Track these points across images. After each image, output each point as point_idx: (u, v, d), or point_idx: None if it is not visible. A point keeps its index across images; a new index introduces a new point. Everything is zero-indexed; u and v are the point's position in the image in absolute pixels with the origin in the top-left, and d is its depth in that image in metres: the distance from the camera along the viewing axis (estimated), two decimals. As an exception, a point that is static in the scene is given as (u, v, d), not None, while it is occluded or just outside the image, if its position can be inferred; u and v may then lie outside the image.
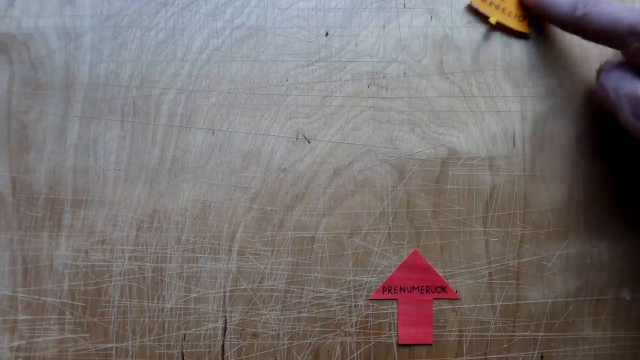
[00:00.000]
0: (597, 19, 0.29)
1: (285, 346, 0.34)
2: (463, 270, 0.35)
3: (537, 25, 0.35)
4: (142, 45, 0.35)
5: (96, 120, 0.35)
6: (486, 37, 0.35)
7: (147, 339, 0.34)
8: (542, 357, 0.34)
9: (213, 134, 0.35)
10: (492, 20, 0.35)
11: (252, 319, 0.34)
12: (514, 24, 0.35)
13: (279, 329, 0.34)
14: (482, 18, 0.35)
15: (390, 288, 0.34)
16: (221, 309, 0.34)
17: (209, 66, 0.35)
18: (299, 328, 0.34)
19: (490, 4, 0.35)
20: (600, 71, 0.32)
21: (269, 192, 0.35)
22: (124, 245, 0.35)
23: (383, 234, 0.35)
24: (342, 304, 0.35)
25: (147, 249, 0.35)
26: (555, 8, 0.32)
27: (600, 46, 0.35)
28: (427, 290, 0.35)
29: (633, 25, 0.27)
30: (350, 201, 0.35)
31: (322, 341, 0.34)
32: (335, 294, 0.35)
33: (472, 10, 0.35)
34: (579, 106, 0.35)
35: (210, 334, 0.34)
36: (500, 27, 0.35)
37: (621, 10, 0.28)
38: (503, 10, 0.35)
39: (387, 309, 0.35)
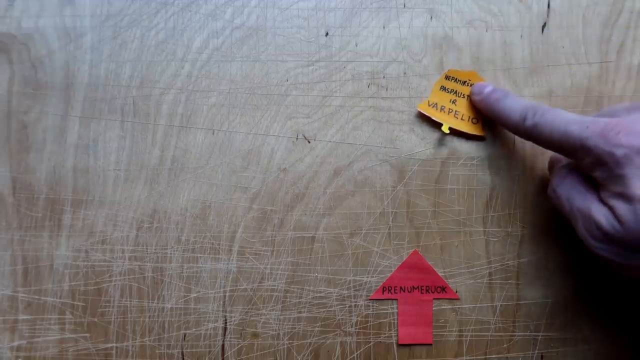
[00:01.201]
0: (547, 130, 0.28)
1: (285, 346, 0.34)
2: (463, 270, 0.35)
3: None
4: (142, 45, 0.35)
5: (96, 120, 0.35)
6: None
7: (147, 338, 0.34)
8: (542, 357, 0.34)
9: (213, 134, 0.35)
10: (445, 128, 0.34)
11: (252, 319, 0.35)
12: (468, 127, 0.35)
13: (279, 329, 0.34)
14: (436, 123, 0.35)
15: (390, 288, 0.34)
16: (221, 309, 0.35)
17: (209, 66, 0.35)
18: (299, 328, 0.34)
19: (441, 109, 0.35)
20: (552, 172, 0.31)
21: (269, 192, 0.35)
22: (124, 245, 0.35)
23: (383, 234, 0.35)
24: (342, 304, 0.35)
25: (147, 249, 0.35)
26: (506, 117, 0.31)
27: (601, 45, 0.35)
28: (427, 290, 0.35)
29: (583, 139, 0.26)
30: (350, 201, 0.35)
31: (322, 341, 0.34)
32: (335, 294, 0.35)
33: (422, 116, 0.35)
34: (579, 106, 0.35)
35: (210, 334, 0.34)
36: (454, 132, 0.35)
37: (570, 122, 0.27)
38: (455, 114, 0.35)
39: (387, 309, 0.35)
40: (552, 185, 0.30)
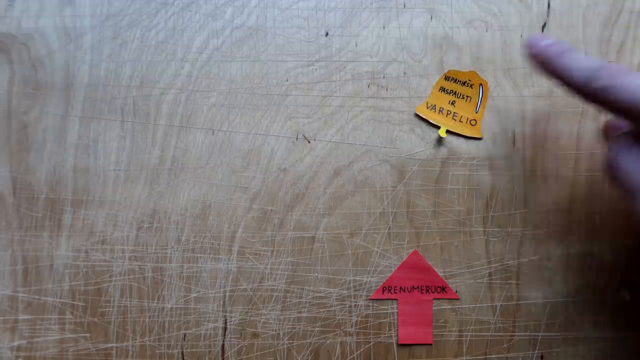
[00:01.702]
0: (616, 93, 0.25)
1: (285, 346, 0.34)
2: (463, 270, 0.35)
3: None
4: (142, 45, 0.35)
5: (96, 120, 0.35)
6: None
7: (147, 338, 0.34)
8: (542, 357, 0.34)
9: (213, 134, 0.35)
10: (442, 132, 0.34)
11: (252, 319, 0.35)
12: (466, 130, 0.35)
13: (279, 329, 0.34)
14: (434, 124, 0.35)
15: (390, 288, 0.34)
16: (221, 309, 0.35)
17: (209, 66, 0.35)
18: (299, 328, 0.34)
19: (440, 111, 0.35)
20: (610, 139, 0.28)
21: (269, 192, 0.35)
22: (124, 245, 0.35)
23: (383, 234, 0.35)
24: (342, 304, 0.35)
25: (147, 249, 0.35)
26: (569, 76, 0.27)
27: (601, 45, 0.35)
28: (427, 290, 0.35)
29: None
30: (350, 201, 0.35)
31: (322, 341, 0.34)
32: (335, 294, 0.35)
33: (420, 118, 0.35)
34: (579, 106, 0.35)
35: (210, 334, 0.34)
36: (452, 133, 0.35)
37: None
38: (454, 115, 0.35)
39: (387, 309, 0.35)
40: (612, 154, 0.26)
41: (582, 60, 0.27)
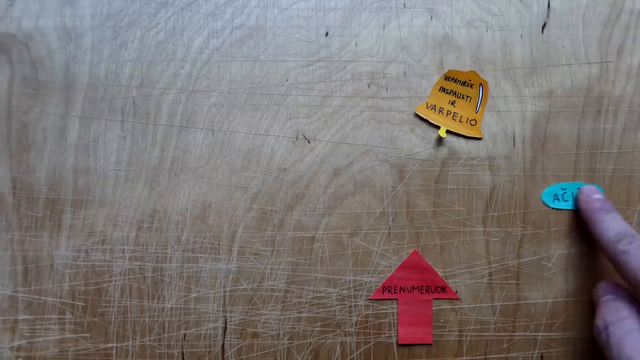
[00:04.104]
0: (633, 262, 0.27)
1: (285, 346, 0.34)
2: (463, 270, 0.35)
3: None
4: (142, 45, 0.35)
5: (96, 120, 0.35)
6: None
7: (147, 338, 0.34)
8: (542, 357, 0.34)
9: (213, 134, 0.35)
10: (442, 132, 0.34)
11: (252, 319, 0.35)
12: (466, 130, 0.35)
13: (279, 329, 0.34)
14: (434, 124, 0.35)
15: (390, 288, 0.34)
16: (221, 309, 0.35)
17: (209, 66, 0.35)
18: (299, 328, 0.34)
19: (440, 111, 0.35)
20: (603, 303, 0.29)
21: (269, 192, 0.35)
22: (124, 245, 0.35)
23: (383, 234, 0.35)
24: (342, 304, 0.35)
25: (147, 249, 0.35)
26: (602, 231, 0.30)
27: (601, 45, 0.35)
28: (427, 290, 0.35)
29: None
30: (350, 201, 0.35)
31: (322, 341, 0.34)
32: (335, 294, 0.35)
33: (420, 118, 0.35)
34: (579, 106, 0.35)
35: (210, 334, 0.34)
36: (453, 133, 0.35)
37: None
38: (454, 115, 0.35)
39: (387, 309, 0.35)
40: (605, 319, 0.28)
41: (618, 222, 0.31)
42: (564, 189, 0.34)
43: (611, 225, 0.30)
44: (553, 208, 0.34)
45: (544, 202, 0.34)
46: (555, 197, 0.34)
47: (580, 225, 0.35)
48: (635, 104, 0.35)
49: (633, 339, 0.27)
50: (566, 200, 0.34)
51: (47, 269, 0.35)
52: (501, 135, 0.35)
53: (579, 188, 0.34)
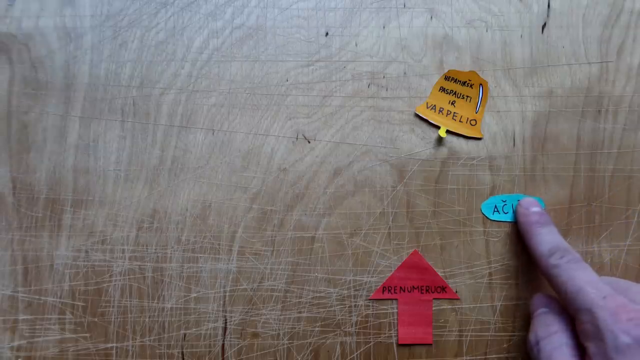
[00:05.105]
0: (565, 277, 0.28)
1: (285, 346, 0.34)
2: (463, 270, 0.35)
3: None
4: (142, 45, 0.35)
5: (96, 120, 0.35)
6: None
7: (147, 338, 0.34)
8: (542, 357, 0.34)
9: (213, 134, 0.35)
10: (442, 132, 0.34)
11: (252, 319, 0.35)
12: (466, 130, 0.35)
13: (279, 329, 0.34)
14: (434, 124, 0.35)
15: (390, 288, 0.34)
16: (221, 309, 0.35)
17: (209, 66, 0.35)
18: (299, 328, 0.34)
19: (440, 111, 0.35)
20: (537, 317, 0.30)
21: (269, 192, 0.35)
22: (124, 245, 0.35)
23: (383, 234, 0.35)
24: (342, 304, 0.35)
25: (147, 249, 0.35)
26: (536, 245, 0.31)
27: (601, 45, 0.35)
28: (427, 290, 0.35)
29: (594, 307, 0.26)
30: (350, 201, 0.35)
31: (322, 341, 0.34)
32: (335, 294, 0.35)
33: (420, 118, 0.35)
34: (579, 106, 0.35)
35: (210, 334, 0.34)
36: (452, 133, 0.35)
37: (590, 283, 0.27)
38: (454, 115, 0.35)
39: (387, 309, 0.35)
40: (537, 334, 0.29)
41: (552, 236, 0.31)
42: (504, 201, 0.34)
43: (545, 239, 0.31)
44: (493, 220, 0.34)
45: (483, 214, 0.34)
46: (495, 209, 0.34)
47: (581, 225, 0.35)
48: (635, 104, 0.35)
49: (563, 353, 0.27)
50: (506, 212, 0.34)
51: (47, 269, 0.35)
52: (501, 135, 0.35)
53: (518, 200, 0.34)
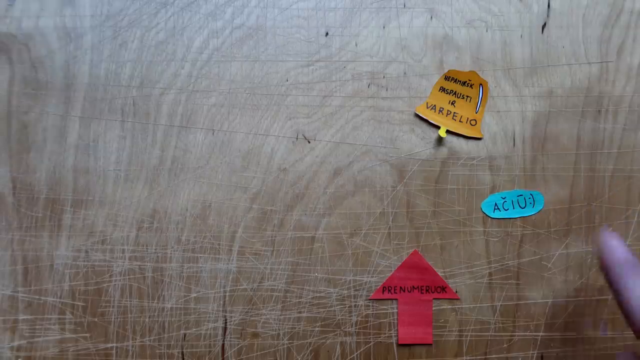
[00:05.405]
0: (630, 290, 0.25)
1: (285, 346, 0.34)
2: (463, 270, 0.35)
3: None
4: (142, 45, 0.35)
5: (96, 120, 0.35)
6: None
7: (147, 338, 0.34)
8: (542, 357, 0.34)
9: (213, 134, 0.35)
10: (442, 132, 0.34)
11: (252, 319, 0.35)
12: (466, 130, 0.35)
13: (279, 329, 0.34)
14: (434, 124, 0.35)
15: (390, 288, 0.34)
16: (221, 309, 0.35)
17: (209, 66, 0.35)
18: (299, 328, 0.34)
19: (440, 111, 0.35)
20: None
21: (269, 192, 0.35)
22: (124, 245, 0.35)
23: (383, 234, 0.35)
24: (342, 304, 0.35)
25: (147, 249, 0.35)
26: (613, 252, 0.26)
27: (601, 45, 0.35)
28: (427, 290, 0.35)
29: None
30: (350, 201, 0.35)
31: (322, 341, 0.34)
32: (335, 294, 0.35)
33: (420, 118, 0.35)
34: (579, 106, 0.35)
35: (210, 333, 0.34)
36: (453, 133, 0.35)
37: None
38: (454, 115, 0.35)
39: (387, 309, 0.35)
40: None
41: None
42: (503, 198, 0.34)
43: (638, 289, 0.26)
44: (494, 218, 0.34)
45: (484, 213, 0.34)
46: (496, 207, 0.34)
47: (581, 225, 0.35)
48: (635, 104, 0.35)
49: None
50: (506, 209, 0.34)
51: (47, 269, 0.35)
52: (501, 135, 0.35)
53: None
